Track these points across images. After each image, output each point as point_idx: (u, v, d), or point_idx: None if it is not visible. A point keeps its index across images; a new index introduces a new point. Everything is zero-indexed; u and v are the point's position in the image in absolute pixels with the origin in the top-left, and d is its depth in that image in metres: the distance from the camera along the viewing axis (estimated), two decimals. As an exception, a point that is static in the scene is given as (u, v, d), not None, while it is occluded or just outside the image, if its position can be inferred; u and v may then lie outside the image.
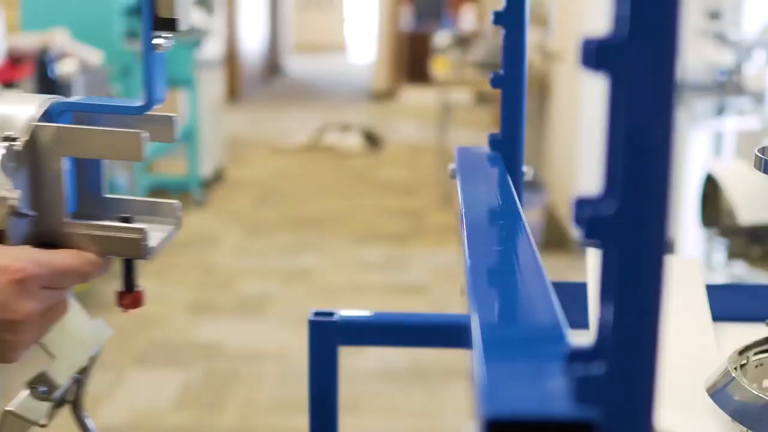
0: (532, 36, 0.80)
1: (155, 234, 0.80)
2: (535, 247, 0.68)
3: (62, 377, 0.82)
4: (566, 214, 4.84)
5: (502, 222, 0.75)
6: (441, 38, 8.02)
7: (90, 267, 0.78)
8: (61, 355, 0.82)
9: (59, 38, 3.95)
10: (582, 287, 1.01)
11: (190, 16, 0.79)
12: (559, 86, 5.20)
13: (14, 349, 0.75)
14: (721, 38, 3.17)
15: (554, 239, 4.73)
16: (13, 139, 0.76)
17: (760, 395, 0.76)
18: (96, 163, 0.83)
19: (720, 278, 2.62)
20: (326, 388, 1.04)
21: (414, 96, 10.91)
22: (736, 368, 0.82)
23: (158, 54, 0.79)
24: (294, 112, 9.78)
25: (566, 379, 0.43)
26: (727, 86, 3.14)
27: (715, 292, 1.03)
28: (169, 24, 0.77)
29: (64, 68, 3.85)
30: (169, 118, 0.82)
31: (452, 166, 1.02)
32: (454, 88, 7.15)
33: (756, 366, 0.87)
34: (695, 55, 3.29)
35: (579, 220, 0.39)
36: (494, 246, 0.72)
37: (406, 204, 6.01)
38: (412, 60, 11.72)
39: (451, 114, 7.19)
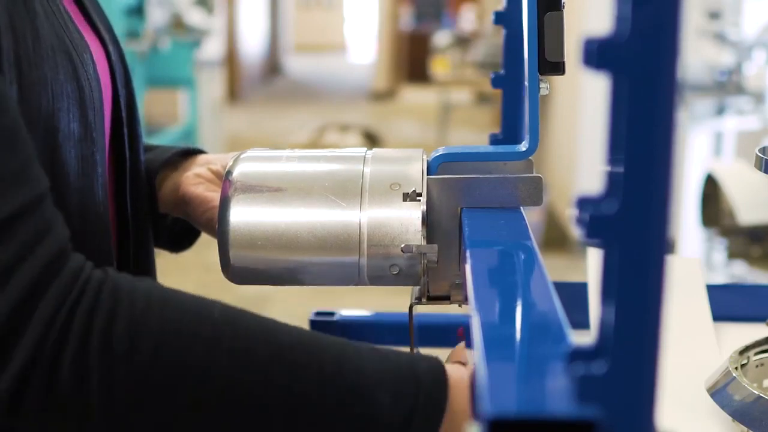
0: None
1: None
2: (536, 247, 0.68)
3: None
4: (566, 214, 4.84)
5: (503, 222, 0.75)
6: (441, 38, 8.03)
7: None
8: None
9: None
10: (582, 287, 1.01)
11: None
12: (560, 86, 5.19)
13: None
14: (721, 38, 3.17)
15: (554, 239, 4.72)
16: (418, 195, 0.74)
17: (761, 395, 0.76)
18: None
19: (720, 278, 2.61)
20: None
21: (414, 96, 10.91)
22: (736, 368, 0.82)
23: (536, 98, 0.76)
24: (294, 112, 9.78)
25: (567, 379, 0.43)
26: (727, 86, 3.13)
27: (715, 292, 1.03)
28: (555, 67, 0.75)
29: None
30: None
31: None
32: (454, 88, 7.16)
33: (756, 366, 0.87)
34: (695, 55, 3.29)
35: (580, 220, 0.39)
36: (495, 246, 0.72)
37: (406, 204, 6.00)
38: (412, 60, 11.71)
39: (451, 114, 7.20)
